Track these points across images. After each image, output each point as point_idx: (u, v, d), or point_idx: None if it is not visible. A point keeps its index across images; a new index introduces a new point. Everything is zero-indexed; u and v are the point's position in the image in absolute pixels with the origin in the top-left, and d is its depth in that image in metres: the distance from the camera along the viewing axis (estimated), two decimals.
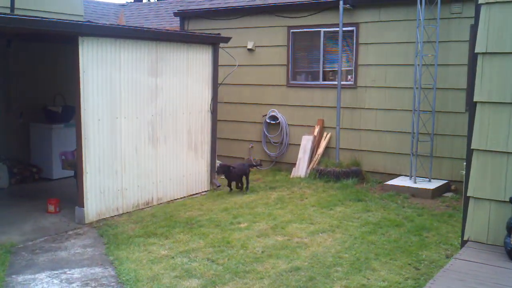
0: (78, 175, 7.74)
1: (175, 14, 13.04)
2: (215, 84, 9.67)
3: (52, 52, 10.37)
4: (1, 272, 5.64)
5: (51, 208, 8.09)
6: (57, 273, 5.72)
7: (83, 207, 7.54)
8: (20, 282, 5.48)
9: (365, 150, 10.40)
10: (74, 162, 8.22)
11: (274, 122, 11.35)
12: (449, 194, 9.21)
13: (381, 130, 10.19)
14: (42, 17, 7.13)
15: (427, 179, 9.54)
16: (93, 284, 5.45)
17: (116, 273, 5.72)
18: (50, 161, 10.26)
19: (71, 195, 8.51)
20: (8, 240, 6.71)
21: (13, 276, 5.63)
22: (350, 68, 10.55)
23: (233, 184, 9.49)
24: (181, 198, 9.06)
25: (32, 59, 10.34)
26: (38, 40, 9.84)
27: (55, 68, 10.50)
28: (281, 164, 11.43)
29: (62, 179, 10.18)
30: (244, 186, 9.48)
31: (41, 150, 10.44)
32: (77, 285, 5.42)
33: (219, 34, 9.98)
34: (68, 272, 5.77)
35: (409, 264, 5.95)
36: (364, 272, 5.71)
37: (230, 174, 9.38)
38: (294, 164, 10.86)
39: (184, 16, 12.69)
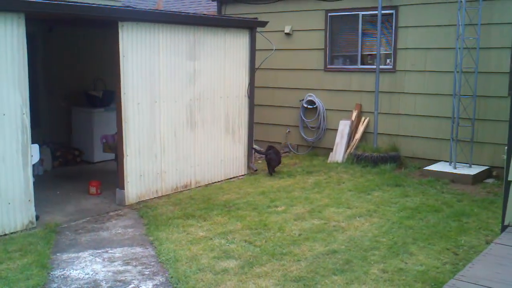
0: (118, 158, 7.92)
1: None
2: (252, 69, 9.69)
3: (91, 37, 10.55)
4: (46, 250, 5.86)
5: (93, 190, 8.31)
6: (99, 252, 5.90)
7: (124, 189, 7.72)
8: (64, 260, 5.68)
9: (403, 135, 10.25)
10: (115, 145, 8.40)
11: (311, 106, 11.31)
12: (490, 180, 9.03)
13: (420, 115, 10.02)
14: (81, 2, 7.27)
15: (467, 164, 9.36)
16: (134, 263, 5.60)
17: (156, 253, 5.86)
18: (91, 144, 10.50)
19: (111, 178, 8.72)
20: (53, 220, 6.94)
21: (58, 254, 5.84)
22: (389, 52, 10.40)
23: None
24: (219, 181, 9.16)
25: (73, 45, 10.54)
26: (79, 25, 10.03)
27: (95, 53, 10.69)
28: (318, 149, 11.40)
29: (102, 162, 10.42)
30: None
31: (82, 134, 10.70)
32: (119, 264, 5.58)
33: (256, 18, 9.97)
34: (110, 251, 5.95)
35: (448, 249, 5.90)
36: (402, 256, 5.69)
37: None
38: (331, 149, 10.82)
39: (222, 0, 12.71)
